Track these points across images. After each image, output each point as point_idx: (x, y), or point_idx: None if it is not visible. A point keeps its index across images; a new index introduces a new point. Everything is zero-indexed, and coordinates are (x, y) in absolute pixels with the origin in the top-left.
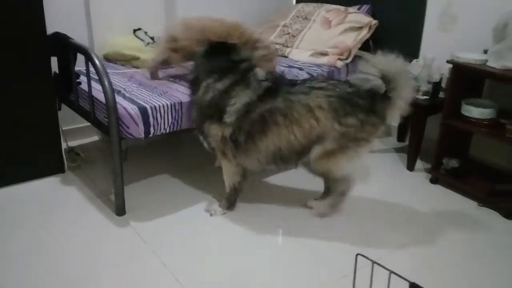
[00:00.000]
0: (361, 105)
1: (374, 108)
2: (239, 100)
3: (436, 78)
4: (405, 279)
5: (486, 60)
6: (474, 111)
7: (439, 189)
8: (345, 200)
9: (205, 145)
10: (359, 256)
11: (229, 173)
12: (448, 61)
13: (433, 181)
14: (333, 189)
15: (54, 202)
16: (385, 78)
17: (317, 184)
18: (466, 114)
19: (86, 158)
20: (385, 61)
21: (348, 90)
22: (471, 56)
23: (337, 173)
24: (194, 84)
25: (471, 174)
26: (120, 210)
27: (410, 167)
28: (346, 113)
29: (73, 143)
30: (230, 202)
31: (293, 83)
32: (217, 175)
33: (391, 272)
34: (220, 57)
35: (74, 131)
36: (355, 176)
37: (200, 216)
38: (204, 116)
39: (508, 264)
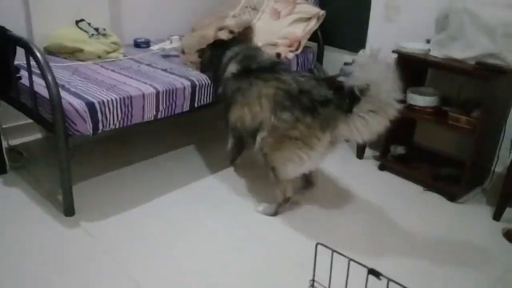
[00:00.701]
0: (302, 104)
1: (318, 111)
2: (228, 70)
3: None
4: (363, 266)
5: (429, 50)
6: (418, 99)
7: (386, 175)
8: (283, 207)
9: None
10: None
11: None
12: (393, 51)
13: (381, 168)
14: (273, 180)
15: None
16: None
17: None
18: (411, 102)
19: (29, 157)
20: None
21: (303, 87)
22: (415, 46)
23: (280, 173)
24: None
25: (416, 160)
26: (68, 210)
27: (360, 155)
28: (284, 108)
29: (14, 142)
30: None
31: (273, 70)
32: (171, 169)
33: (350, 259)
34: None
35: (15, 129)
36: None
37: (152, 212)
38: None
39: (451, 243)
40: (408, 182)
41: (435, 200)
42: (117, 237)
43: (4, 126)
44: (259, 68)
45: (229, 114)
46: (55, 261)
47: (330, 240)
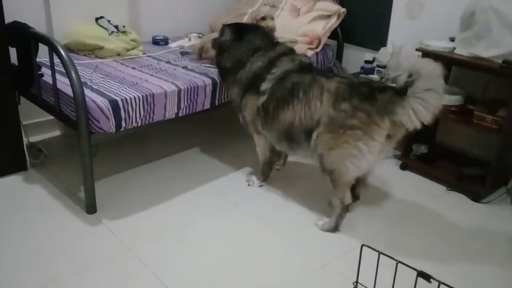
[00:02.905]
0: (361, 93)
1: (375, 97)
2: (281, 68)
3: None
4: (413, 268)
5: (454, 48)
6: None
7: (409, 175)
8: (343, 218)
9: (241, 120)
10: (364, 247)
11: (260, 147)
12: (417, 49)
13: (403, 167)
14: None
15: (18, 202)
16: (410, 75)
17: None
18: None
19: (49, 154)
20: (417, 61)
21: (362, 80)
22: (439, 44)
23: (339, 173)
24: (234, 66)
25: (439, 159)
26: (91, 207)
27: None
28: (344, 99)
29: (34, 139)
30: (264, 175)
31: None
32: (192, 167)
33: (398, 261)
34: (257, 37)
35: (34, 125)
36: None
37: (174, 210)
38: (244, 89)
39: (477, 245)
40: (431, 182)
41: (459, 200)
42: (140, 235)
43: (24, 122)
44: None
45: (279, 115)
46: (78, 259)
47: (353, 239)
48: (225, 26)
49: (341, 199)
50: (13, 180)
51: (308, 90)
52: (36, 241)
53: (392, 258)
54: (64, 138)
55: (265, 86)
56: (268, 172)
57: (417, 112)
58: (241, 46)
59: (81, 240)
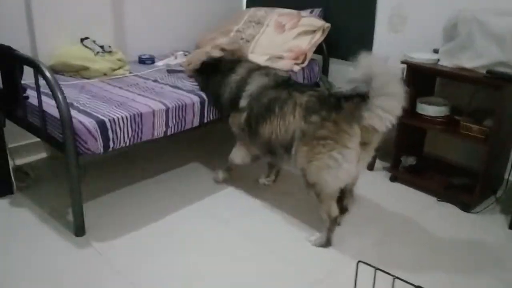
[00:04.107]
0: (328, 103)
1: (340, 105)
2: (254, 84)
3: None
4: (410, 284)
5: (438, 60)
6: (429, 109)
7: (398, 186)
8: (333, 232)
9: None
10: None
11: (241, 152)
12: (402, 62)
13: (393, 179)
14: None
15: (4, 227)
16: (366, 81)
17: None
18: (421, 112)
19: (36, 177)
20: (368, 63)
21: (331, 92)
22: (424, 56)
23: (320, 186)
24: (216, 94)
25: (427, 170)
26: (79, 230)
27: (370, 166)
28: (313, 111)
29: (20, 162)
30: (226, 174)
31: (307, 85)
32: (181, 186)
33: (396, 277)
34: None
35: (20, 148)
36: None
37: (164, 231)
38: (228, 110)
39: (469, 255)
40: (420, 193)
41: (449, 210)
42: (130, 257)
43: (10, 145)
44: (287, 80)
45: (259, 130)
46: (67, 283)
47: (344, 254)
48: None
49: (327, 212)
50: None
51: (283, 105)
52: (25, 266)
53: (389, 274)
54: (51, 160)
55: (242, 103)
56: (229, 174)
57: (387, 111)
58: (213, 77)
59: (70, 263)
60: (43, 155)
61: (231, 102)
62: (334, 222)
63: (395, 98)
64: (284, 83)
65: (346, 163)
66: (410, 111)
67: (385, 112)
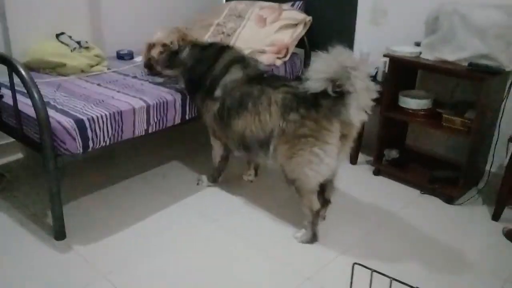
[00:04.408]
0: (306, 101)
1: (319, 103)
2: (230, 76)
3: (371, 72)
4: (407, 285)
5: (420, 53)
6: (411, 102)
7: (382, 180)
8: (317, 226)
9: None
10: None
11: (215, 150)
12: (385, 55)
13: (376, 172)
14: (297, 199)
15: None
16: (331, 78)
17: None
18: (403, 105)
19: (12, 179)
20: (330, 60)
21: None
22: (406, 49)
23: (301, 182)
24: (196, 75)
25: (410, 163)
26: (60, 234)
27: (353, 160)
28: (291, 109)
29: None
30: (213, 177)
31: (280, 79)
32: (164, 184)
33: (393, 279)
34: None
35: None
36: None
37: (148, 231)
38: (203, 94)
39: (454, 245)
40: (404, 186)
41: (432, 203)
42: (114, 260)
43: None
44: (261, 74)
45: (232, 124)
46: None
47: (331, 249)
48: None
49: (309, 206)
50: None
51: (257, 101)
52: (2, 273)
53: (386, 276)
54: (28, 160)
55: (217, 93)
56: (218, 176)
57: (362, 101)
58: (202, 58)
59: (51, 269)
60: (19, 155)
61: (209, 87)
62: (317, 216)
63: (368, 92)
64: (258, 78)
65: (327, 158)
66: (392, 105)
67: (361, 106)
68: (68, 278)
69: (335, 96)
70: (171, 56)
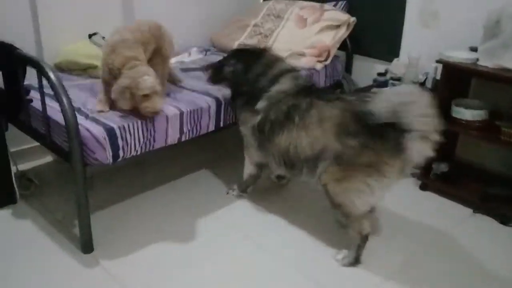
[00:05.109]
0: (367, 127)
1: (383, 134)
2: (279, 87)
3: (421, 78)
4: None
5: (477, 59)
6: (465, 113)
7: (430, 195)
8: (364, 245)
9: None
10: None
11: (246, 166)
12: (437, 61)
13: (423, 187)
14: (341, 224)
15: (6, 241)
16: (395, 113)
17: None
18: (456, 116)
19: (41, 184)
20: (396, 95)
21: (364, 110)
22: (461, 54)
23: (348, 208)
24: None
25: (461, 178)
26: (87, 246)
27: None
28: (350, 133)
29: (23, 167)
30: (242, 188)
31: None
32: (195, 194)
33: None
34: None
35: (24, 152)
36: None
37: (179, 245)
38: (243, 103)
39: (510, 272)
40: (453, 203)
41: (486, 223)
42: (142, 277)
43: (12, 149)
44: (310, 86)
45: (274, 139)
46: None
47: (374, 274)
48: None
49: (358, 230)
50: (1, 216)
51: (305, 115)
52: (25, 284)
53: None
54: (56, 164)
55: (260, 105)
56: (247, 187)
57: (422, 147)
58: (248, 68)
59: (77, 284)
60: (49, 158)
61: (251, 98)
62: (366, 240)
63: (434, 131)
64: (306, 90)
65: (379, 191)
66: (443, 114)
67: (425, 145)
68: None
69: (401, 130)
70: (215, 71)
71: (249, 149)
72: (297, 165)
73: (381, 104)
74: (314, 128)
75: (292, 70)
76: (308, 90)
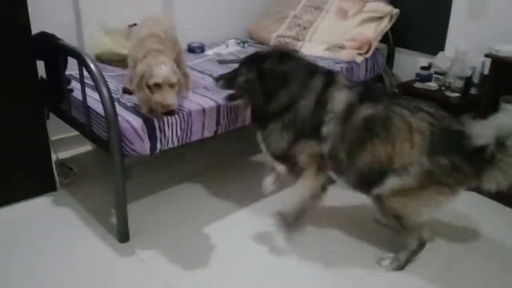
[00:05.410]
0: (461, 148)
1: (473, 156)
2: (337, 103)
3: (467, 72)
4: None
5: None
6: None
7: (474, 196)
8: (418, 254)
9: (285, 169)
10: None
11: (306, 185)
12: (486, 55)
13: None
14: (405, 243)
15: (46, 228)
16: (497, 140)
17: None
18: None
19: (80, 172)
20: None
21: (455, 127)
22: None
23: (409, 219)
24: (275, 109)
25: None
26: (123, 236)
27: None
28: (441, 150)
29: (63, 155)
30: (295, 224)
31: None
32: (235, 183)
33: None
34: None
35: (64, 141)
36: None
37: (217, 235)
38: (297, 136)
39: None
40: (500, 205)
41: None
42: (178, 267)
43: (52, 138)
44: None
45: (355, 161)
46: None
47: (420, 280)
48: (243, 64)
49: (419, 236)
50: (42, 202)
51: (389, 124)
52: (65, 274)
53: None
54: (96, 153)
55: (327, 129)
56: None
57: (500, 179)
58: (279, 83)
59: (113, 272)
60: (88, 148)
61: (307, 128)
62: (423, 247)
63: None
64: (369, 94)
65: (444, 206)
66: (492, 111)
67: (502, 179)
68: (129, 284)
69: (489, 154)
70: (227, 83)
71: (311, 173)
72: (373, 181)
73: (488, 131)
74: (403, 141)
75: (332, 79)
76: (372, 95)
